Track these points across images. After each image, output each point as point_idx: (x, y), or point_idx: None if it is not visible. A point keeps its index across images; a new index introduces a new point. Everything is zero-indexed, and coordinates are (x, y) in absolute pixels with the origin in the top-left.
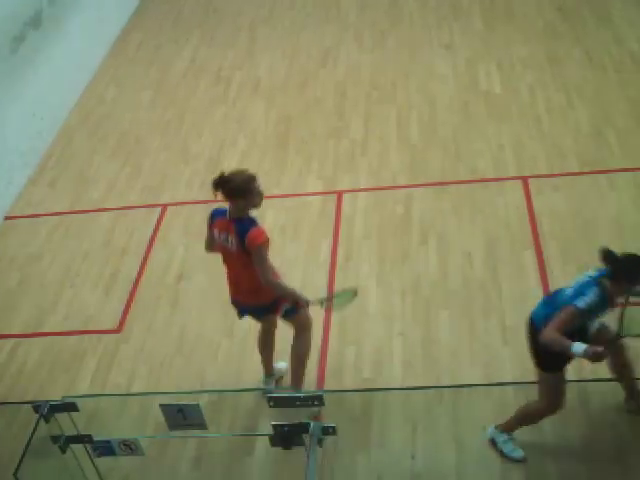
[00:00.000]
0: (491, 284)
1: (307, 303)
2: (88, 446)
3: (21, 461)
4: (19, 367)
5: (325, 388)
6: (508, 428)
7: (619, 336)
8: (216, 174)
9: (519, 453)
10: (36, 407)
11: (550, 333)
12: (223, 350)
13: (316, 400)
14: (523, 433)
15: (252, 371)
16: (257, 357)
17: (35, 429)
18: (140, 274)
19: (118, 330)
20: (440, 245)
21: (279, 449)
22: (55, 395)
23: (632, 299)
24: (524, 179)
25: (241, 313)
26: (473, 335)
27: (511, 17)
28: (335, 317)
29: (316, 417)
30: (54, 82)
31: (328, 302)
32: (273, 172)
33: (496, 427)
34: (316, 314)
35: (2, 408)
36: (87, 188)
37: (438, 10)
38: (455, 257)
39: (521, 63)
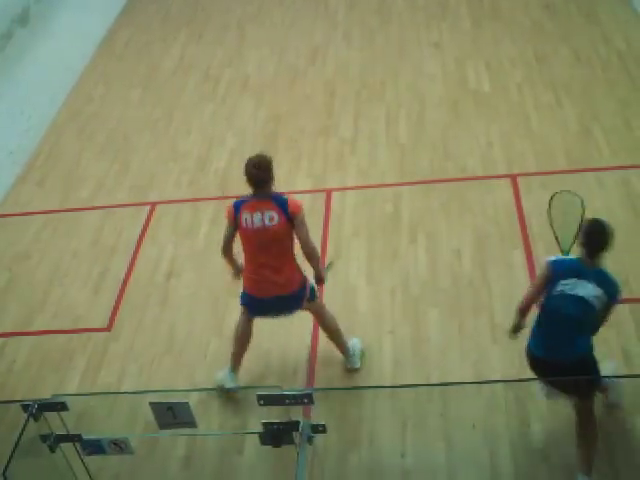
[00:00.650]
0: (480, 282)
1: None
2: (78, 445)
3: (10, 460)
4: (8, 366)
5: (315, 386)
6: (589, 469)
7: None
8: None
9: None
10: (25, 406)
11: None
12: (213, 348)
13: (305, 398)
14: (512, 430)
15: (242, 368)
16: (247, 354)
17: (24, 428)
18: (129, 273)
19: (107, 329)
20: (429, 243)
21: (269, 447)
22: (44, 394)
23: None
24: (513, 177)
25: (264, 312)
26: (462, 333)
27: (499, 15)
28: None
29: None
30: (42, 80)
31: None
32: None
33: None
34: (304, 313)
35: None
36: (76, 186)
37: (426, 9)
38: (444, 255)
39: (509, 61)
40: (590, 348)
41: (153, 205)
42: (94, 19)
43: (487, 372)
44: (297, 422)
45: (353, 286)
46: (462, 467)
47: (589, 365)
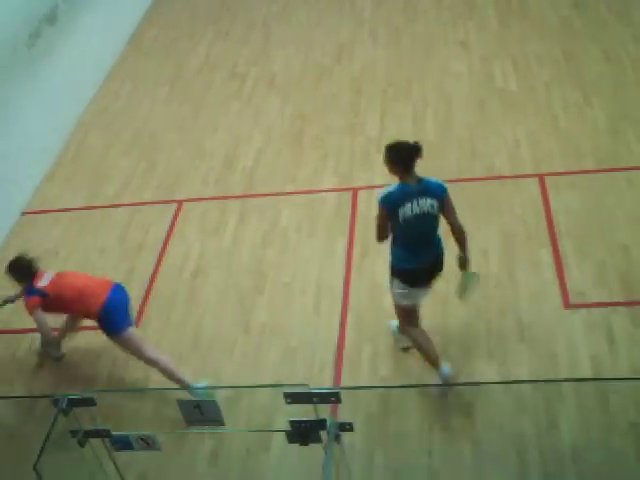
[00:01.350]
0: (507, 282)
1: None
2: (106, 440)
3: (40, 454)
4: (38, 361)
5: (342, 385)
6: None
7: None
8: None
9: None
10: (55, 401)
11: None
12: (239, 346)
13: (333, 396)
14: (540, 431)
15: (269, 367)
16: (274, 352)
17: (54, 423)
18: (156, 270)
19: (135, 326)
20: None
21: (296, 445)
22: (73, 390)
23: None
24: (540, 177)
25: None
26: (489, 332)
27: (526, 14)
28: (352, 314)
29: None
30: (70, 78)
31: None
32: (288, 168)
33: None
34: (330, 312)
35: (21, 402)
36: (102, 184)
37: (453, 8)
38: (471, 254)
39: (537, 60)
40: (442, 245)
41: (180, 203)
42: (122, 17)
43: (514, 372)
44: (324, 420)
45: (380, 285)
46: (489, 468)
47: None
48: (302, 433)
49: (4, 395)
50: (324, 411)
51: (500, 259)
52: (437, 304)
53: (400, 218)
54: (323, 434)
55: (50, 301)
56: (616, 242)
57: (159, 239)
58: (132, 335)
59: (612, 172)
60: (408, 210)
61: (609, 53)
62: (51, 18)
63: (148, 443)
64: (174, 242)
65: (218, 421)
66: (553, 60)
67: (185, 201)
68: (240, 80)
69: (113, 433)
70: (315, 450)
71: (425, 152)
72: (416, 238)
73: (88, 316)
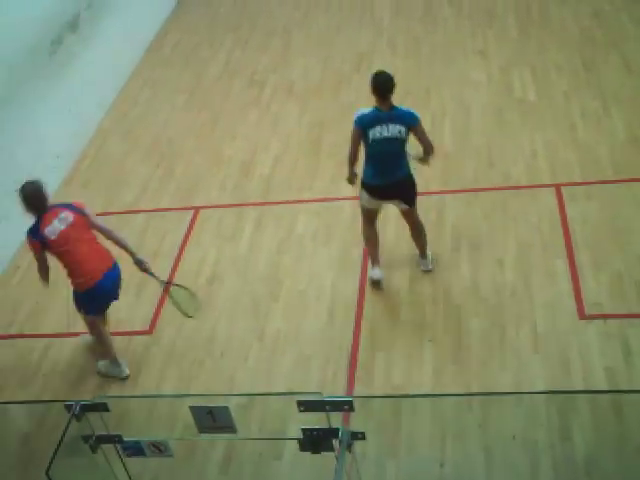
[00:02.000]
0: (522, 291)
1: None
2: (118, 446)
3: (53, 459)
4: (51, 367)
5: (355, 394)
6: (424, 254)
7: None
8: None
9: None
10: (68, 406)
11: None
12: (254, 353)
13: (346, 405)
14: (554, 442)
15: (282, 374)
16: (287, 360)
17: (67, 428)
18: (172, 276)
19: (149, 332)
20: (472, 252)
21: (308, 453)
22: (86, 395)
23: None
24: (557, 187)
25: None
26: (504, 342)
27: (547, 24)
28: (366, 324)
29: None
30: (90, 84)
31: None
32: (306, 176)
33: (421, 259)
34: (345, 320)
35: (34, 407)
36: (120, 190)
37: (472, 17)
38: (487, 264)
39: (556, 69)
40: (409, 169)
41: (197, 209)
42: (142, 24)
43: (528, 382)
44: (337, 429)
45: (395, 294)
46: (502, 478)
47: (412, 181)
48: (314, 441)
49: (17, 400)
50: (336, 419)
51: (516, 269)
52: (452, 313)
53: (370, 138)
54: (335, 442)
55: (48, 250)
56: (633, 253)
57: (175, 245)
58: (96, 319)
59: (630, 182)
60: (377, 132)
61: (630, 63)
62: (73, 25)
63: (160, 449)
64: (190, 248)
65: (230, 428)
66: (572, 70)
67: (202, 208)
68: (259, 88)
69: (125, 439)
70: (327, 459)
71: (442, 161)
72: (383, 158)
73: (74, 280)
